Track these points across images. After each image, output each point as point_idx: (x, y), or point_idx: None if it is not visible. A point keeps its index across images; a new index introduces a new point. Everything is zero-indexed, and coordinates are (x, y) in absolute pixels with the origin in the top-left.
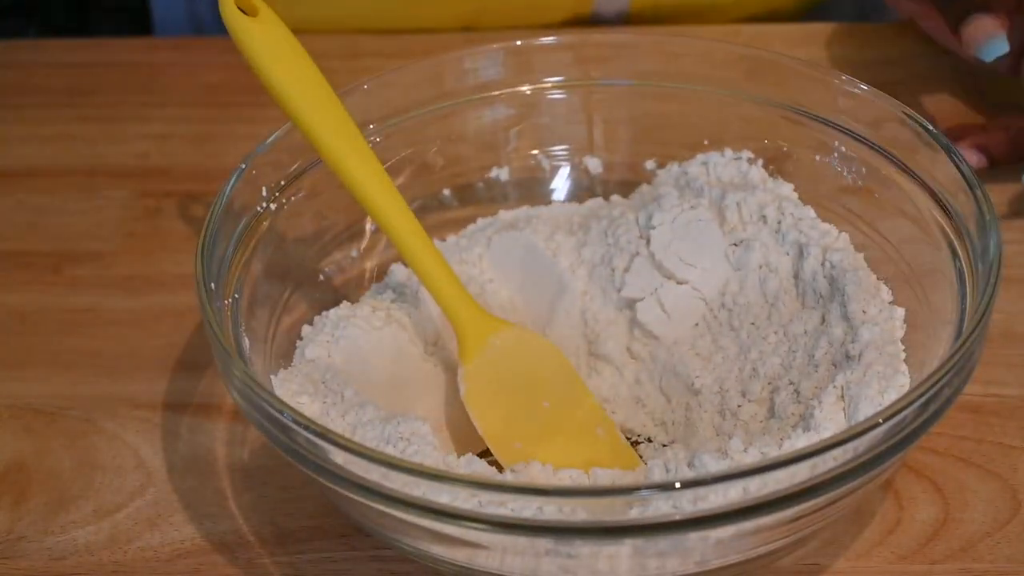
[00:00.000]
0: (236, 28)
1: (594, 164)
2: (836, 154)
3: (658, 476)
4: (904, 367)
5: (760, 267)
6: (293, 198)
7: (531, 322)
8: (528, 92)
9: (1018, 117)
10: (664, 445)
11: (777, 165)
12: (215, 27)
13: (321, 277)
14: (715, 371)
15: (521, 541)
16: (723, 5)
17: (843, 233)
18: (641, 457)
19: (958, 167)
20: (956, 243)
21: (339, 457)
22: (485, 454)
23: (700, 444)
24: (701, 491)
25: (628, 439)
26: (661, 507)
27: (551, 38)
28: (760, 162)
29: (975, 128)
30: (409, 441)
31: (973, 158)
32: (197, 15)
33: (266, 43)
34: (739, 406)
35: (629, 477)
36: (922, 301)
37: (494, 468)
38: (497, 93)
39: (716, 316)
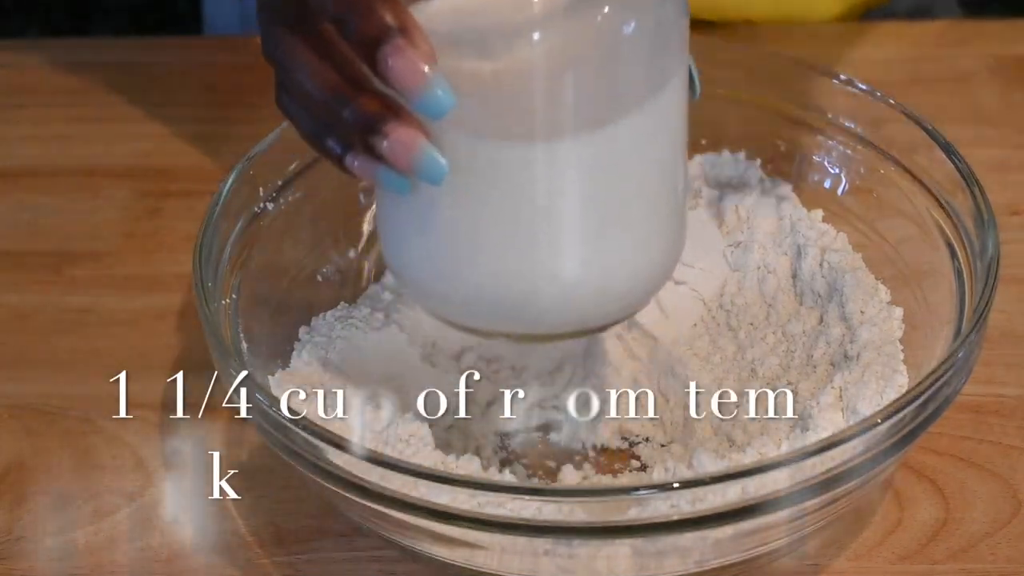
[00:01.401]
0: None
1: None
2: (835, 154)
3: (657, 476)
4: (903, 367)
5: (758, 267)
6: (291, 198)
7: None
8: None
9: None
10: (662, 445)
11: (775, 165)
12: None
13: (319, 278)
14: (713, 371)
15: (520, 541)
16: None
17: (841, 233)
18: (640, 458)
19: (957, 166)
20: (955, 242)
21: (338, 458)
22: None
23: (698, 444)
24: (700, 491)
25: (627, 439)
26: (660, 507)
27: None
28: (758, 162)
29: None
30: (408, 442)
31: None
32: (248, 15)
33: None
34: (737, 406)
35: (628, 478)
36: (920, 301)
37: (493, 469)
38: None
39: (714, 316)
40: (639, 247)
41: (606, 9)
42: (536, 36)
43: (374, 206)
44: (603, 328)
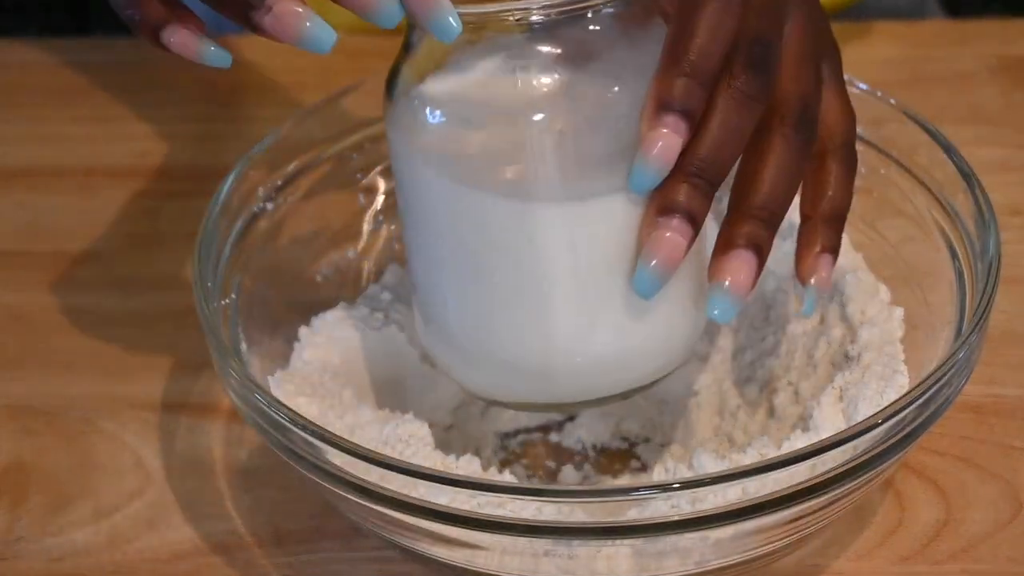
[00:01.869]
0: None
1: None
2: None
3: (657, 476)
4: (903, 367)
5: None
6: (290, 198)
7: None
8: None
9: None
10: (662, 445)
11: None
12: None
13: (318, 278)
14: (713, 372)
15: (520, 542)
16: None
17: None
18: (640, 458)
19: (957, 166)
20: (955, 243)
21: (338, 458)
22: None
23: (698, 444)
24: (700, 492)
25: (627, 439)
26: (660, 507)
27: None
28: None
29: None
30: (407, 443)
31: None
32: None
33: None
34: (738, 406)
35: (628, 478)
36: (921, 301)
37: (493, 469)
38: None
39: None
40: (659, 318)
41: (616, 88)
42: (540, 116)
43: (374, 206)
44: (639, 390)
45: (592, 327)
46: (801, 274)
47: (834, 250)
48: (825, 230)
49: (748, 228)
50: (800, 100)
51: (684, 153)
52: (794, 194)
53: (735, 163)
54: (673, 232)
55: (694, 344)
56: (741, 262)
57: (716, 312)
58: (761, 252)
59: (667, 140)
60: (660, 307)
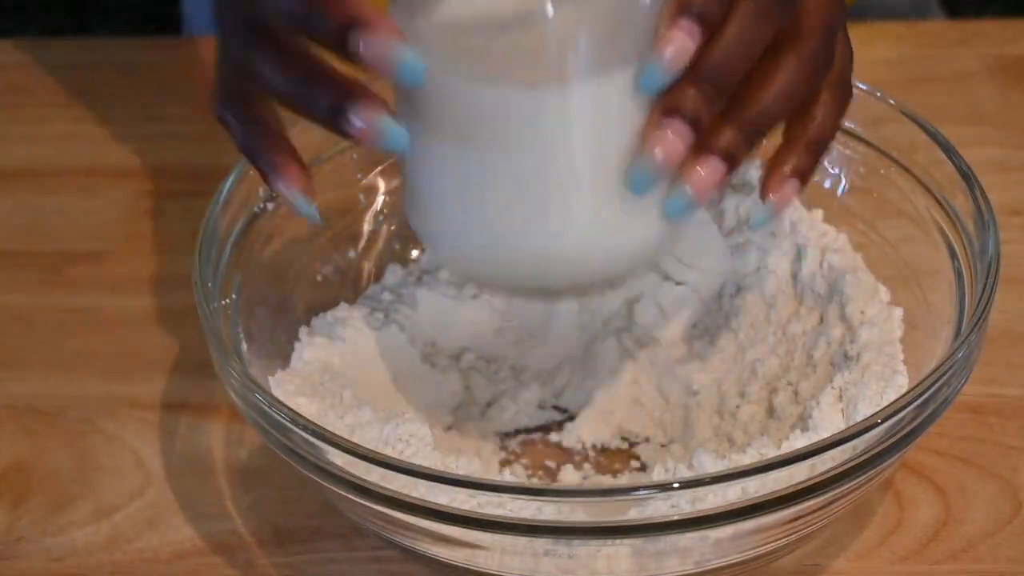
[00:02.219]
0: None
1: None
2: (835, 154)
3: (657, 476)
4: (903, 367)
5: (758, 268)
6: None
7: (528, 323)
8: None
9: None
10: (662, 445)
11: None
12: None
13: (319, 278)
14: (713, 372)
15: (520, 541)
16: None
17: (841, 233)
18: (640, 458)
19: (957, 166)
20: (955, 242)
21: (338, 458)
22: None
23: (699, 444)
24: (700, 491)
25: (627, 439)
26: (660, 507)
27: None
28: (758, 162)
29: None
30: (408, 442)
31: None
32: None
33: None
34: (737, 407)
35: (628, 478)
36: (921, 301)
37: (493, 469)
38: None
39: (714, 317)
40: (645, 203)
41: None
42: None
43: (374, 206)
44: (627, 277)
45: (588, 214)
46: (763, 189)
47: (804, 176)
48: (803, 153)
49: (729, 137)
50: (822, 23)
51: (696, 59)
52: (789, 116)
53: (744, 75)
54: (675, 134)
55: (677, 234)
56: (711, 169)
57: (670, 209)
58: (733, 162)
59: (680, 43)
60: (653, 198)
